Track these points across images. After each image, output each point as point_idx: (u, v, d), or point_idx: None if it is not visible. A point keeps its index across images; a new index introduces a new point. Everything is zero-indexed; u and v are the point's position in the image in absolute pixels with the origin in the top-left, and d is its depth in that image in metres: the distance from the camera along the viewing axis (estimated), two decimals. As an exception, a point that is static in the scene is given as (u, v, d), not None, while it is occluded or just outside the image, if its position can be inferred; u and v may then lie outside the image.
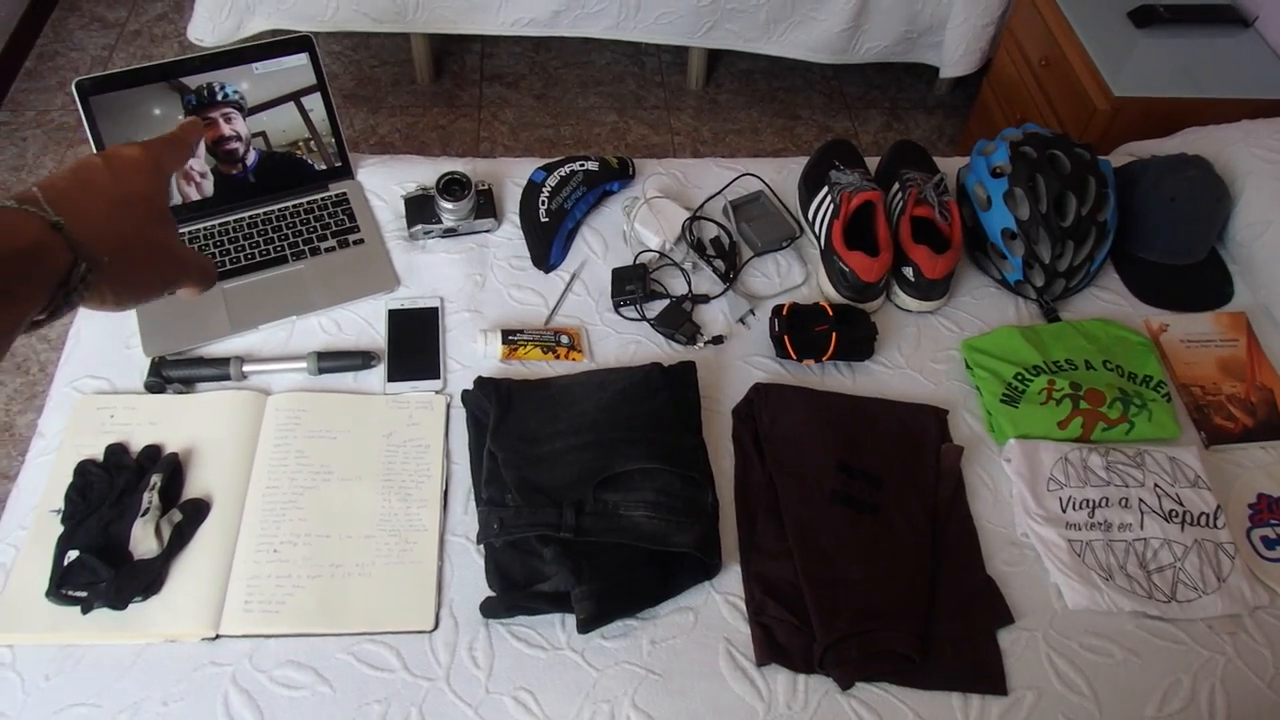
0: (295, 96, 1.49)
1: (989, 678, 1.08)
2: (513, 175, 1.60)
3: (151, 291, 0.66)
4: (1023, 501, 1.23)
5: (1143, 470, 1.25)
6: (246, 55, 1.44)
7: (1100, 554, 1.17)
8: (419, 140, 2.80)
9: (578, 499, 1.13)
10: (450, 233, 1.50)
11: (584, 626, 1.06)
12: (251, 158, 1.48)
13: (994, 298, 1.50)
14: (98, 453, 1.18)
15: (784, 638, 1.09)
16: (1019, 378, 1.34)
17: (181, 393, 1.28)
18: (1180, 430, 1.32)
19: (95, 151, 1.36)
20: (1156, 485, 1.23)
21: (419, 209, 1.49)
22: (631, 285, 1.43)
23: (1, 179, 2.56)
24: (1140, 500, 1.22)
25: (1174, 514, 1.21)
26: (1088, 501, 1.22)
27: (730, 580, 1.15)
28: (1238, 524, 1.24)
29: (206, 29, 2.52)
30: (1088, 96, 2.07)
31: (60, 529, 1.10)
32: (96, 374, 1.30)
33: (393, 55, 3.02)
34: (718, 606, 1.13)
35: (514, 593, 1.10)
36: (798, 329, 1.36)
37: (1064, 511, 1.21)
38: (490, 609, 1.09)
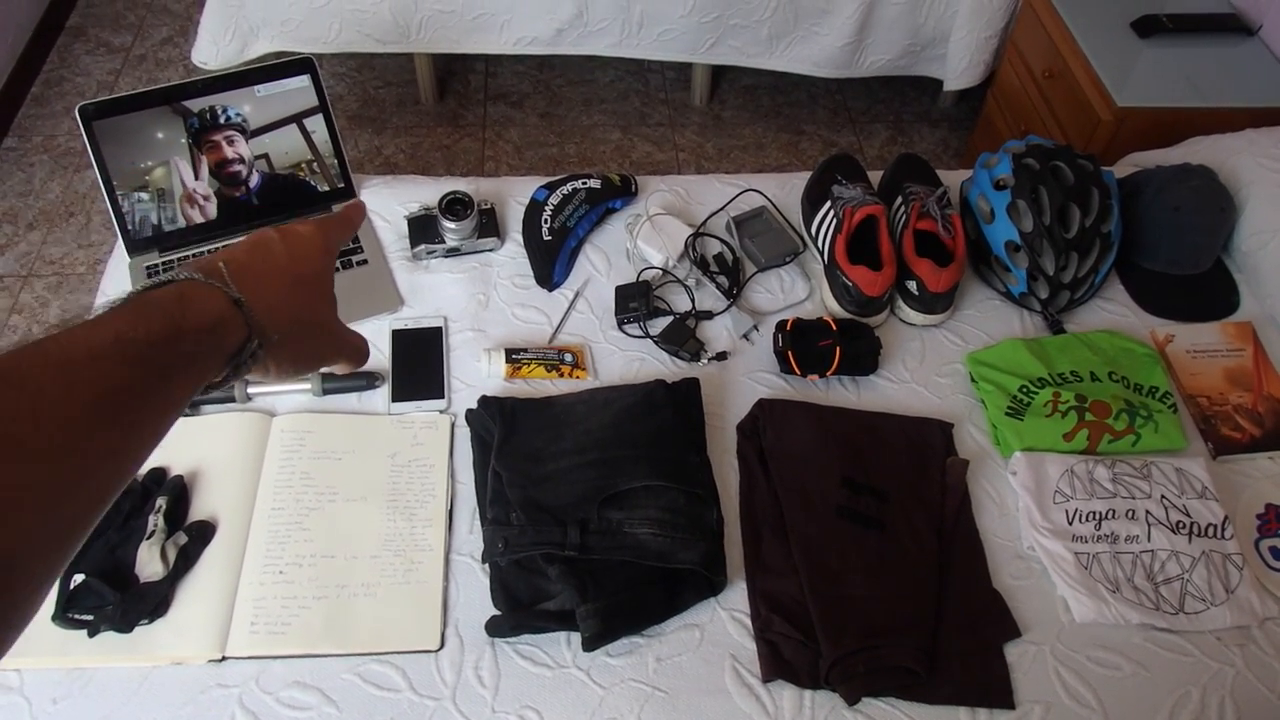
0: (297, 118, 1.50)
1: (996, 692, 1.07)
2: (515, 194, 1.61)
3: (310, 367, 0.68)
4: (1029, 514, 1.22)
5: (1149, 482, 1.24)
6: (249, 78, 1.45)
7: (1107, 566, 1.17)
8: (424, 160, 2.81)
9: (582, 517, 1.13)
10: (453, 252, 1.51)
11: (589, 644, 1.06)
12: (254, 180, 1.49)
13: (998, 310, 1.50)
14: (104, 476, 1.19)
15: (790, 654, 1.09)
16: (1024, 390, 1.33)
17: (187, 415, 1.28)
18: (1187, 441, 1.31)
19: (104, 189, 1.38)
20: (1163, 497, 1.23)
21: (422, 229, 1.50)
22: (635, 302, 1.43)
23: (10, 205, 2.58)
24: (1147, 512, 1.21)
25: (1181, 525, 1.20)
26: (1094, 514, 1.21)
27: (736, 597, 1.15)
28: (1246, 535, 1.23)
29: (210, 52, 2.54)
30: (1091, 107, 2.07)
31: (67, 552, 1.10)
32: (103, 397, 1.30)
33: (397, 76, 3.04)
34: (723, 623, 1.13)
35: (519, 611, 1.10)
36: (801, 344, 1.36)
37: (1070, 524, 1.20)
38: (496, 628, 1.09)
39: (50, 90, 2.94)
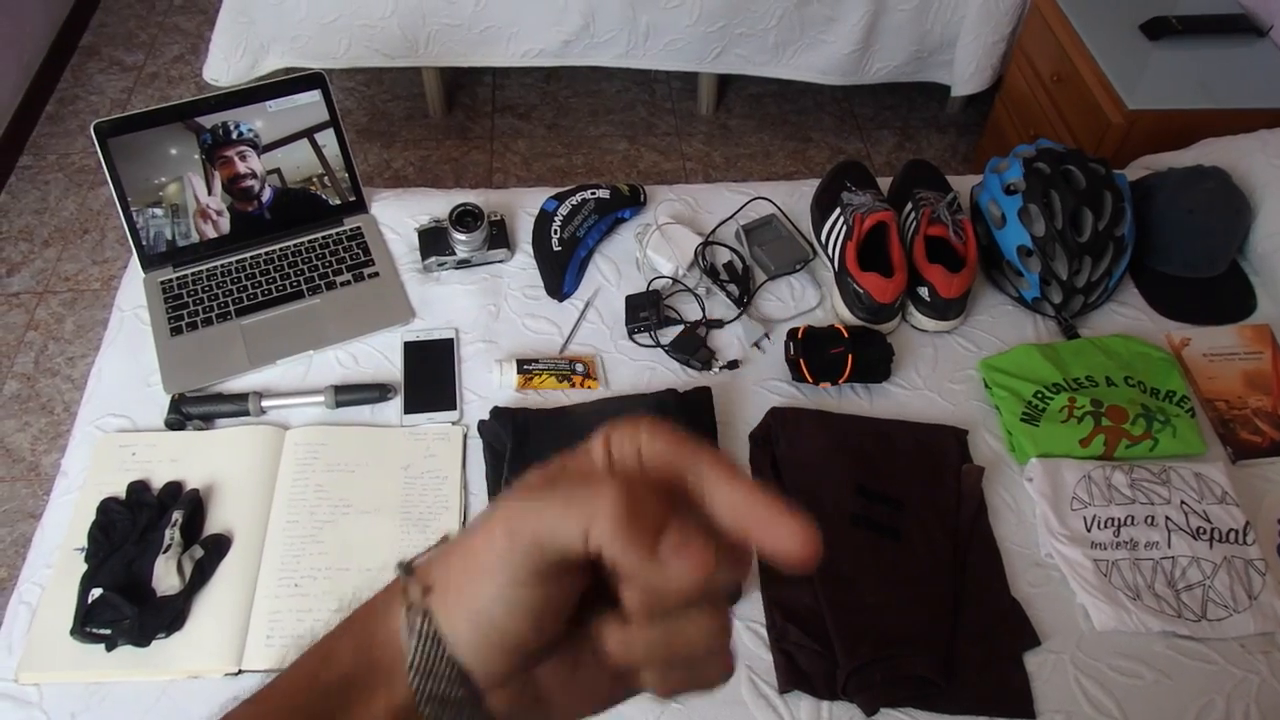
0: (309, 133, 1.50)
1: (1015, 701, 1.06)
2: (525, 205, 1.61)
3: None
4: (1046, 521, 1.21)
5: (1168, 487, 1.23)
6: (260, 93, 1.46)
7: (1127, 573, 1.16)
8: (433, 173, 2.82)
9: (596, 528, 1.12)
10: (464, 264, 1.51)
11: (605, 656, 1.05)
12: (267, 195, 1.50)
13: (1011, 316, 1.49)
14: (120, 490, 1.19)
15: (806, 664, 1.08)
16: (1039, 396, 1.33)
17: (201, 429, 1.29)
18: (1206, 446, 1.30)
19: (119, 206, 1.38)
20: (1183, 502, 1.22)
21: (433, 241, 1.50)
22: (645, 312, 1.43)
23: (25, 222, 2.60)
24: (1166, 518, 1.20)
25: (1202, 531, 1.19)
26: (1113, 520, 1.20)
27: (751, 607, 1.14)
28: (1268, 540, 1.21)
29: (222, 69, 2.55)
30: (1101, 111, 2.06)
31: (84, 567, 1.10)
32: (118, 412, 1.31)
33: (405, 90, 3.05)
34: (739, 633, 1.12)
35: (534, 623, 1.10)
36: (813, 352, 1.35)
37: (1089, 531, 1.20)
38: (510, 640, 1.08)
39: (64, 109, 2.96)
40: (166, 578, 1.08)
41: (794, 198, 1.66)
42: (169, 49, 3.19)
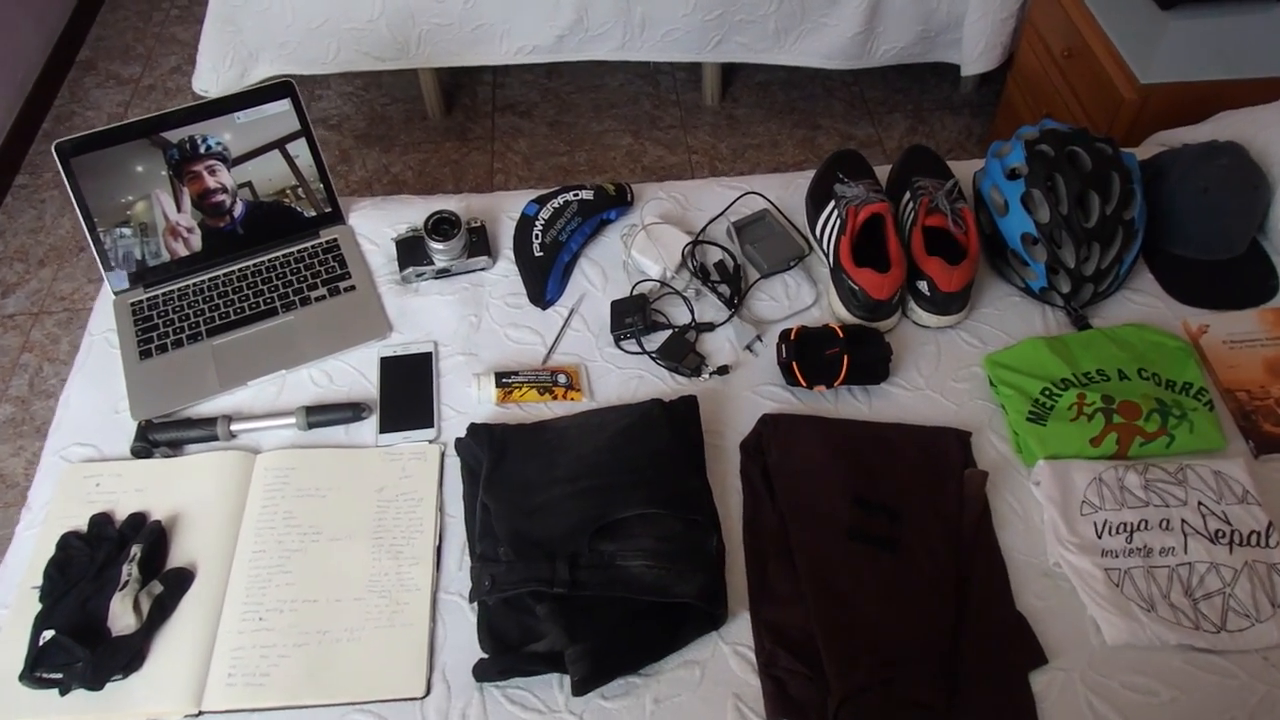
0: (280, 144, 1.46)
1: (1022, 726, 1.00)
2: (508, 210, 1.55)
3: None
4: (1054, 528, 1.14)
5: (1184, 487, 1.16)
6: (227, 105, 1.42)
7: (1140, 583, 1.08)
8: (432, 177, 2.77)
9: (572, 550, 1.07)
10: (444, 273, 1.46)
11: (579, 689, 1.00)
12: (239, 209, 1.45)
13: (1018, 308, 1.42)
14: (83, 523, 1.15)
15: (797, 691, 1.02)
16: (1046, 393, 1.25)
17: (169, 456, 1.25)
18: (1225, 440, 1.22)
19: (85, 227, 1.34)
20: (1200, 503, 1.14)
21: (410, 251, 1.45)
22: (631, 317, 1.37)
23: (21, 242, 2.58)
24: (1183, 521, 1.13)
25: (1221, 534, 1.12)
26: (1125, 525, 1.13)
27: (739, 629, 1.08)
28: (1294, 541, 1.14)
29: (211, 79, 2.52)
30: (1113, 86, 1.98)
31: (40, 607, 1.06)
32: (85, 441, 1.27)
33: (404, 92, 3.01)
34: (726, 659, 1.06)
35: (507, 654, 1.04)
36: (807, 354, 1.28)
37: (1099, 537, 1.12)
38: (482, 672, 1.03)
39: (61, 126, 2.95)
40: (122, 616, 1.04)
41: (789, 191, 1.59)
42: (166, 60, 3.16)
